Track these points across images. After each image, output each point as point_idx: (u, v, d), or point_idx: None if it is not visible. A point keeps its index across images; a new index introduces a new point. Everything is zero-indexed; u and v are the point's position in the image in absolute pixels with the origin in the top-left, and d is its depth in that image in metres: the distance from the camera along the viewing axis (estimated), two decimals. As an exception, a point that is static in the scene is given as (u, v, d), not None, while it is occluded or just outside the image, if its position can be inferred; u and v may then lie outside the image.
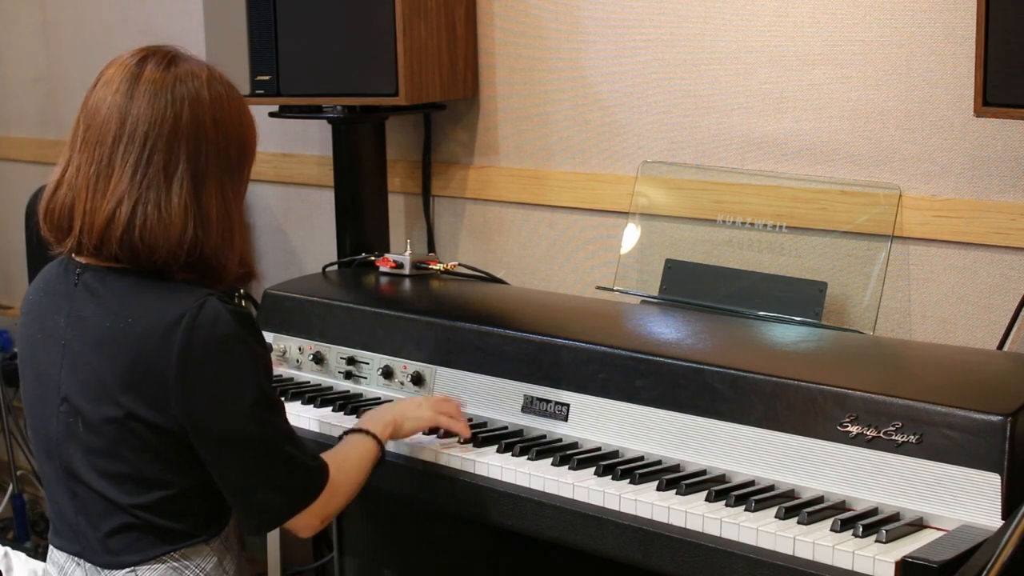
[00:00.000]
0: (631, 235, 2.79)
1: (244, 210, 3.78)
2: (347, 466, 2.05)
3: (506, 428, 2.36)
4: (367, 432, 2.14)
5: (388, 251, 3.14)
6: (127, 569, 1.90)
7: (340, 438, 2.17)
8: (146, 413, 1.83)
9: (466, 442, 2.27)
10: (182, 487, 1.89)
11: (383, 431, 2.16)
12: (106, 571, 1.91)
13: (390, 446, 2.21)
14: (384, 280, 2.93)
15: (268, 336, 2.83)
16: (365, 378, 2.63)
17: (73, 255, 1.94)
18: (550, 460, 2.18)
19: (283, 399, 2.58)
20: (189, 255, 1.85)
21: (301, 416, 2.50)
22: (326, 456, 2.01)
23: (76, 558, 1.95)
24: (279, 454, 1.89)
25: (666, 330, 2.50)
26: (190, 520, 1.91)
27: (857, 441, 1.95)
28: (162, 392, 1.83)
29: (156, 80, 1.87)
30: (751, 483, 2.04)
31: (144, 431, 1.84)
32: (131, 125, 1.85)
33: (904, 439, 1.91)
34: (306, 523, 1.96)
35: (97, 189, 1.85)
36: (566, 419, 2.30)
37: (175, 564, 1.90)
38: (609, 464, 2.12)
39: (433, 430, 2.32)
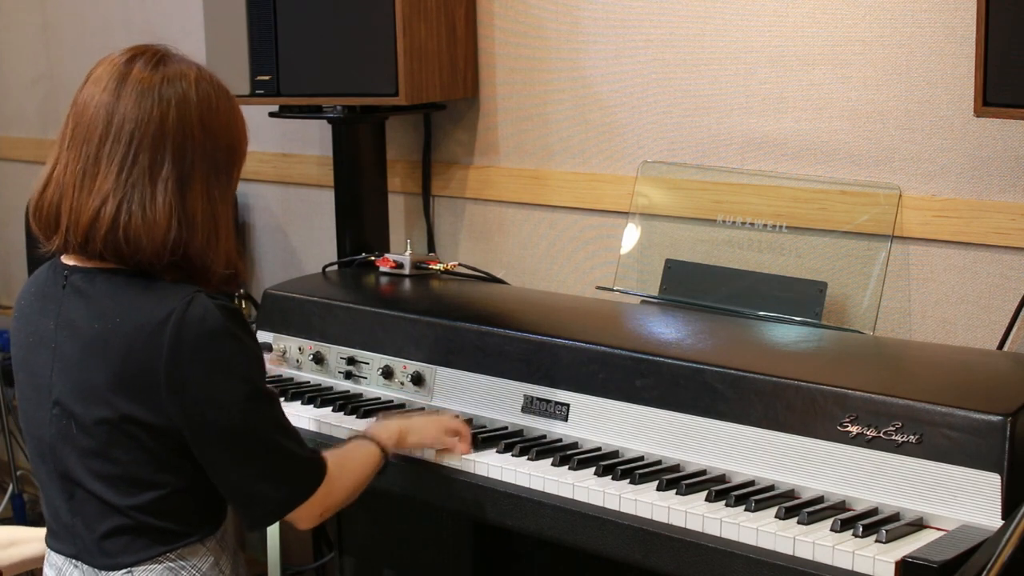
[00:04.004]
0: (631, 235, 2.78)
1: (236, 211, 3.81)
2: (346, 463, 2.05)
3: (506, 428, 2.36)
4: (371, 438, 2.15)
5: (388, 251, 3.14)
6: (124, 570, 1.89)
7: (346, 441, 2.17)
8: (138, 412, 1.83)
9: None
10: (176, 487, 1.88)
11: (388, 439, 2.16)
12: (103, 573, 1.91)
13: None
14: (384, 280, 2.93)
15: (268, 336, 2.83)
16: (365, 378, 2.63)
17: (61, 256, 1.94)
18: (550, 460, 2.18)
19: (283, 399, 2.59)
20: (173, 254, 1.85)
21: (301, 416, 2.49)
22: (327, 452, 2.01)
23: (73, 560, 1.94)
24: (274, 447, 1.89)
25: (666, 330, 2.50)
26: (185, 520, 1.91)
27: (857, 441, 1.95)
28: (154, 390, 1.82)
29: (144, 79, 1.87)
30: (751, 483, 2.04)
31: (137, 431, 1.84)
32: (117, 124, 1.85)
33: (904, 439, 1.90)
34: (305, 515, 1.95)
35: (83, 187, 1.85)
36: (566, 419, 2.30)
37: (171, 564, 1.90)
38: (609, 464, 2.12)
39: None
